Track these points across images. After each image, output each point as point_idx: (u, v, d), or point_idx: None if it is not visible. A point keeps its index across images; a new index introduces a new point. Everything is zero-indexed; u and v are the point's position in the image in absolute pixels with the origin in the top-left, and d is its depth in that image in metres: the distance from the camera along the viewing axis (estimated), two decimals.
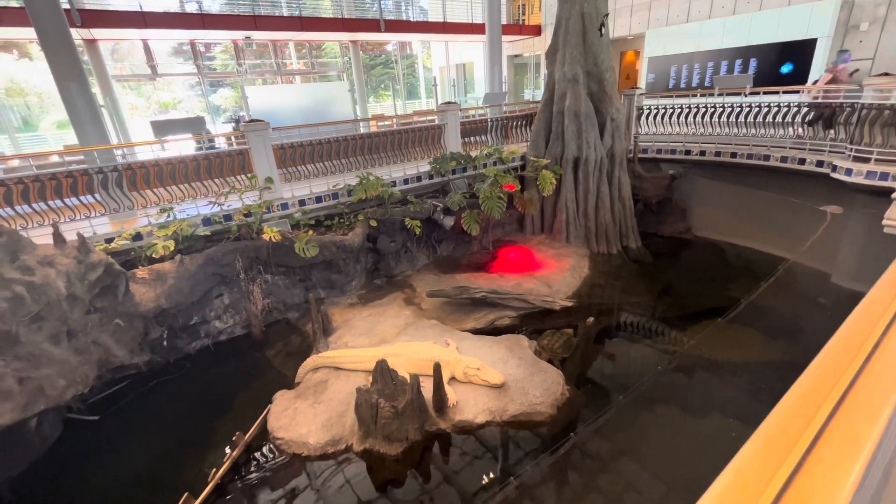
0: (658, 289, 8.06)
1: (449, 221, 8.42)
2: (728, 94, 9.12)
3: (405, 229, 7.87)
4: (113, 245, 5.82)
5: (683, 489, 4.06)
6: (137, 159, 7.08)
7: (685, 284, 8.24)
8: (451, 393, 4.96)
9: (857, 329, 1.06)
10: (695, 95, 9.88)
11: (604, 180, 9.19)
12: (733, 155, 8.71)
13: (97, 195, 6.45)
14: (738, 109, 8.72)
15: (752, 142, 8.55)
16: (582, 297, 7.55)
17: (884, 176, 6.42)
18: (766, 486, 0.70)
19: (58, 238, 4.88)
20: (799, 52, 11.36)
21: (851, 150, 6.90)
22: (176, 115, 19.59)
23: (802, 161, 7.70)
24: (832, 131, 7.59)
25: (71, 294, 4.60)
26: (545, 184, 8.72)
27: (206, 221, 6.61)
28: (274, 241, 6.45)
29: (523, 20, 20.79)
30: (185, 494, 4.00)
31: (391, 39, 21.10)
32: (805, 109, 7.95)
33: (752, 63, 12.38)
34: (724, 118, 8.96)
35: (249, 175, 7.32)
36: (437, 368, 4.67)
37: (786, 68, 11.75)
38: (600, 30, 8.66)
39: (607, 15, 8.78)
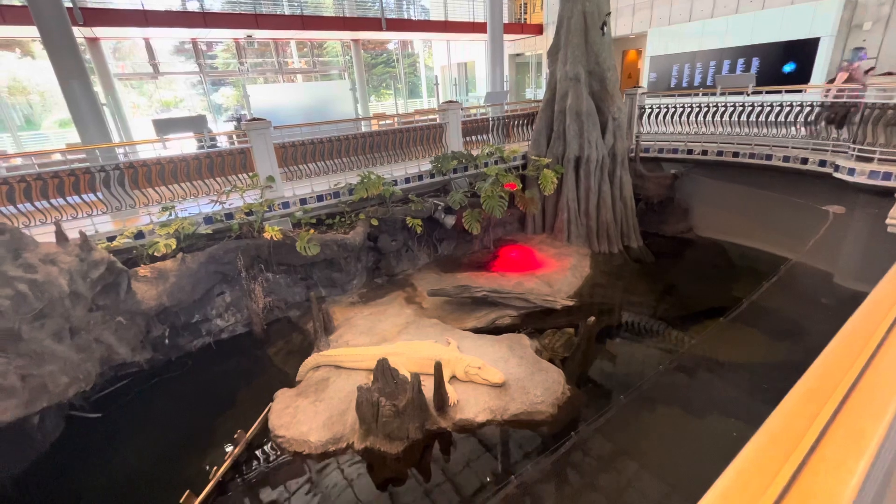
0: (659, 288, 8.04)
1: (450, 220, 8.42)
2: (730, 94, 9.09)
3: (406, 228, 7.87)
4: (115, 243, 5.83)
5: (684, 489, 4.06)
6: (139, 158, 7.09)
7: (687, 284, 8.22)
8: (452, 392, 4.97)
9: (860, 328, 1.06)
10: (697, 95, 9.85)
11: (605, 180, 9.18)
12: (735, 154, 8.68)
13: (99, 193, 6.46)
14: (741, 109, 8.70)
15: (754, 141, 8.52)
16: (583, 296, 7.55)
17: (887, 175, 6.39)
18: (769, 484, 0.70)
19: (60, 236, 4.89)
20: (802, 52, 11.32)
21: (854, 149, 6.88)
22: (178, 113, 19.62)
23: (805, 161, 7.67)
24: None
25: (73, 292, 4.61)
26: (546, 183, 8.71)
27: (208, 220, 6.62)
28: (275, 239, 6.46)
29: (525, 19, 20.76)
30: (187, 492, 4.01)
31: (393, 38, 21.09)
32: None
33: (755, 62, 12.34)
34: (726, 117, 8.93)
35: (251, 174, 7.33)
36: (438, 367, 4.67)
37: (788, 68, 11.71)
38: (602, 29, 8.64)
39: (609, 14, 8.76)
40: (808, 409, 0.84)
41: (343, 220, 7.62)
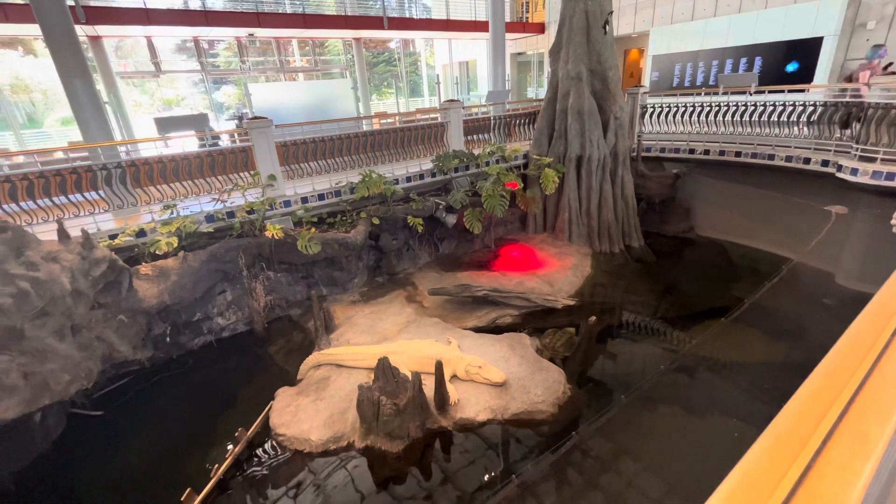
0: (661, 288, 8.03)
1: (451, 219, 8.41)
2: (733, 93, 9.06)
3: (407, 227, 7.87)
4: (117, 241, 5.84)
5: (685, 489, 4.05)
6: (141, 156, 7.10)
7: (688, 284, 8.21)
8: (453, 391, 4.96)
9: (867, 329, 1.05)
10: (699, 94, 9.83)
11: (607, 179, 9.16)
12: (737, 154, 8.66)
13: (101, 192, 6.47)
14: (743, 108, 8.67)
15: (756, 141, 8.50)
16: (584, 295, 7.54)
17: (890, 176, 6.37)
18: (775, 487, 0.69)
19: (62, 234, 4.90)
20: (805, 51, 11.28)
21: (857, 149, 6.85)
22: (179, 112, 19.63)
23: (807, 160, 7.65)
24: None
25: (75, 290, 4.62)
26: (548, 182, 8.70)
27: (210, 218, 6.62)
28: (277, 238, 6.46)
29: (527, 18, 20.73)
30: (188, 490, 4.01)
31: (394, 37, 21.09)
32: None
33: (758, 61, 12.30)
34: (728, 117, 8.90)
35: (252, 172, 7.33)
36: (439, 366, 4.67)
37: (791, 67, 11.67)
38: (604, 27, 8.61)
39: (611, 12, 8.73)
40: (813, 411, 0.83)
41: (344, 218, 7.62)
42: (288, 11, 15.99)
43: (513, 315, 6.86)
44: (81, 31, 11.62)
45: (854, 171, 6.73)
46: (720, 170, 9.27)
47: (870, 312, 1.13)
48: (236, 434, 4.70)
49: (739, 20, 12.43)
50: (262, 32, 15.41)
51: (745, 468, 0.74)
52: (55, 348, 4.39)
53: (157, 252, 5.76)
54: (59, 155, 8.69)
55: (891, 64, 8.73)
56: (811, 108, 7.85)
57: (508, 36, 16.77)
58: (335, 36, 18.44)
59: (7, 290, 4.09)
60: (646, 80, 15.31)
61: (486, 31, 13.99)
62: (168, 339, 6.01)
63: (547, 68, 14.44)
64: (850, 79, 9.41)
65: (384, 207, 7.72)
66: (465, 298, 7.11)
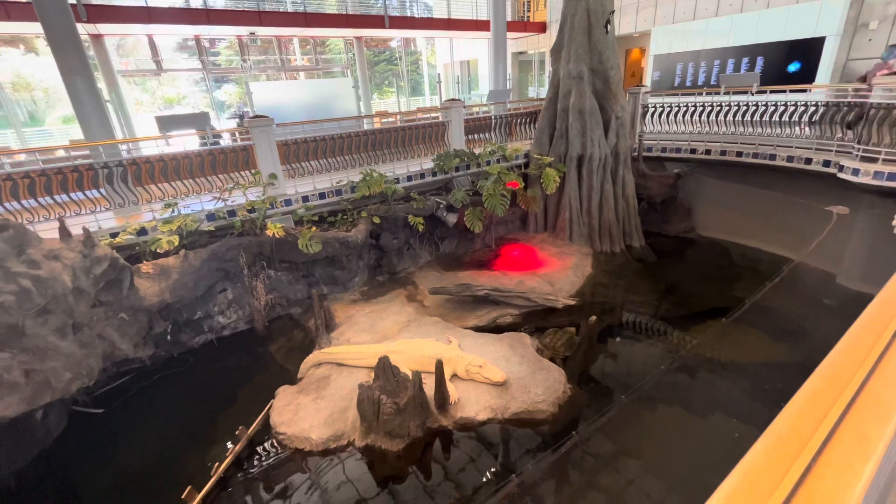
0: (661, 288, 8.02)
1: (452, 219, 8.41)
2: (734, 93, 9.04)
3: (408, 226, 7.87)
4: (118, 240, 5.84)
5: (686, 489, 4.06)
6: (142, 154, 7.11)
7: (689, 284, 8.20)
8: (453, 390, 4.97)
9: (868, 329, 1.05)
10: (700, 94, 9.81)
11: (608, 178, 9.15)
12: (739, 154, 8.64)
13: (102, 190, 6.48)
14: (745, 108, 8.65)
15: (757, 141, 8.48)
16: (584, 295, 7.54)
17: (892, 176, 6.35)
18: (775, 487, 0.69)
19: (63, 232, 4.90)
20: (807, 51, 11.26)
21: (859, 150, 6.83)
22: (180, 110, 19.63)
23: (809, 161, 7.63)
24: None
25: (76, 288, 4.63)
26: (549, 182, 8.69)
27: (210, 217, 6.63)
28: (277, 236, 6.46)
29: (528, 17, 20.71)
30: (188, 488, 4.02)
31: (395, 36, 21.06)
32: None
33: (759, 61, 12.28)
34: (729, 117, 8.88)
35: (253, 171, 7.33)
36: (440, 365, 4.68)
37: (793, 67, 11.65)
38: (606, 27, 8.60)
39: (613, 12, 8.72)
40: (814, 411, 0.83)
41: (345, 217, 7.62)
42: (289, 10, 15.99)
43: (513, 314, 6.86)
44: (83, 29, 11.62)
45: (856, 172, 6.71)
46: (721, 170, 9.26)
47: (871, 313, 1.13)
48: (237, 432, 4.71)
49: (741, 20, 12.41)
50: (264, 31, 15.42)
51: (745, 468, 0.74)
52: (56, 346, 4.40)
53: (158, 250, 5.77)
54: (61, 153, 8.70)
55: None
56: (813, 109, 7.83)
57: (510, 35, 16.74)
58: (336, 35, 18.44)
59: (9, 288, 4.10)
60: (647, 80, 15.28)
61: (488, 30, 13.97)
62: (169, 337, 6.02)
63: (548, 67, 14.43)
64: (864, 79, 9.35)
65: (385, 206, 7.72)
66: (465, 298, 7.11)
